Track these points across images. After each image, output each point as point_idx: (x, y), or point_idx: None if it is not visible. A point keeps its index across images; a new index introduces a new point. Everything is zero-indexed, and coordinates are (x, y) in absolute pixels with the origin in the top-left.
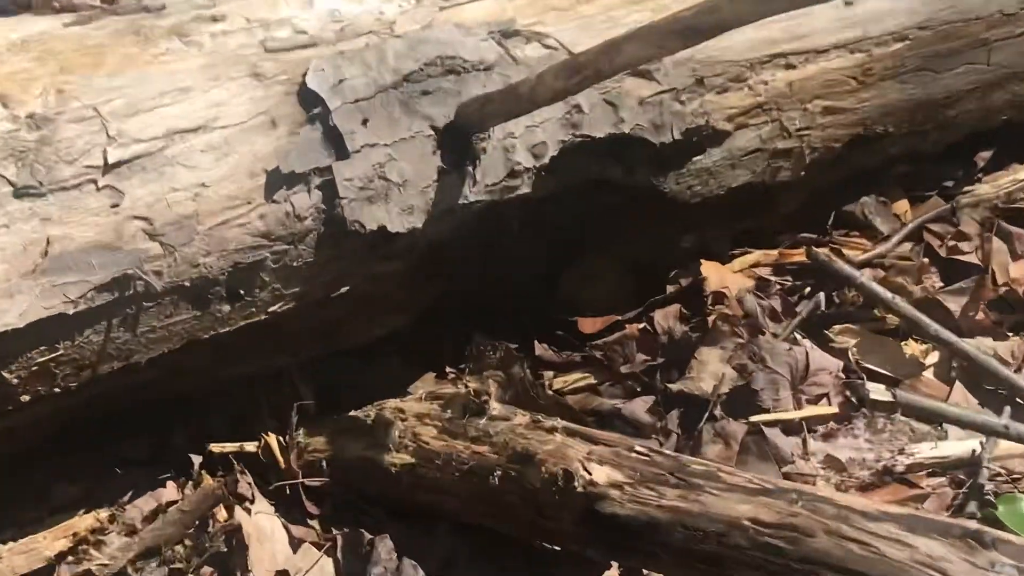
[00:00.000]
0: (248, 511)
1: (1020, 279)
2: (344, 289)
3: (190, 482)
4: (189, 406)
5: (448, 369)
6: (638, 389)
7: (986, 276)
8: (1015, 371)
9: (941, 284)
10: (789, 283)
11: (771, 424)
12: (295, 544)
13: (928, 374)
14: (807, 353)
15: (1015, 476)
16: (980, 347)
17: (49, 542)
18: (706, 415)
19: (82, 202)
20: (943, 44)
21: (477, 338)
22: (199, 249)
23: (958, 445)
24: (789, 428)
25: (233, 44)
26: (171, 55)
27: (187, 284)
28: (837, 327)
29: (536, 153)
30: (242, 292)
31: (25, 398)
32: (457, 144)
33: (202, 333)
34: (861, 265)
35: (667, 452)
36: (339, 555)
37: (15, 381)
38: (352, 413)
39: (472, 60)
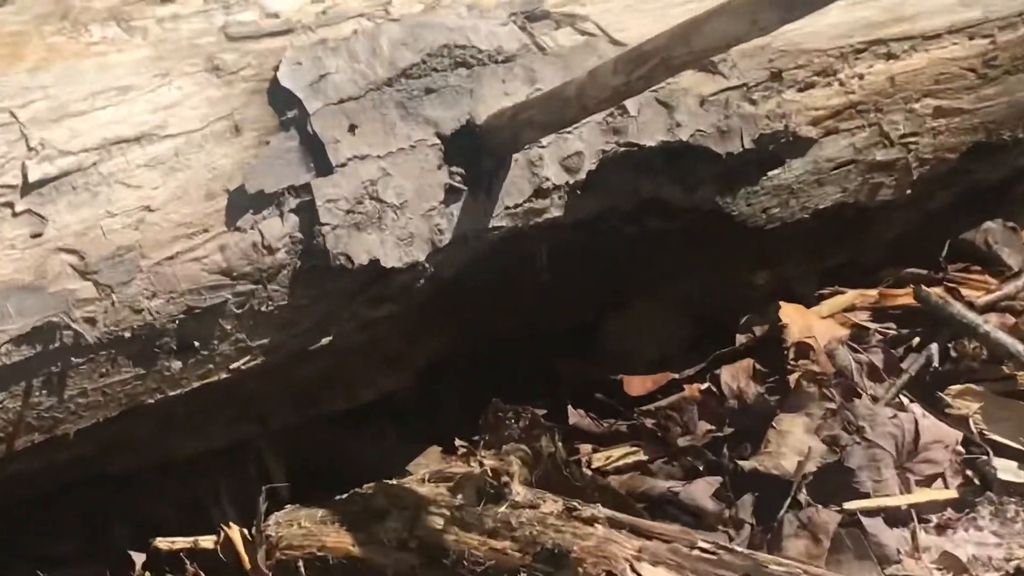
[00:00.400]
0: None
1: None
2: (326, 340)
3: None
4: (130, 490)
5: (458, 442)
6: (700, 468)
7: None
8: None
9: None
10: (893, 332)
11: (871, 512)
12: None
13: None
14: (916, 421)
15: None
16: None
17: None
18: (788, 501)
19: None
20: None
21: (495, 402)
22: (142, 290)
23: None
24: (894, 517)
25: (186, 31)
26: (108, 45)
27: (127, 335)
28: (955, 388)
29: (569, 167)
30: (197, 344)
31: None
32: (468, 156)
33: (146, 397)
34: (984, 309)
35: (738, 549)
36: None
37: None
38: (337, 498)
39: (488, 49)
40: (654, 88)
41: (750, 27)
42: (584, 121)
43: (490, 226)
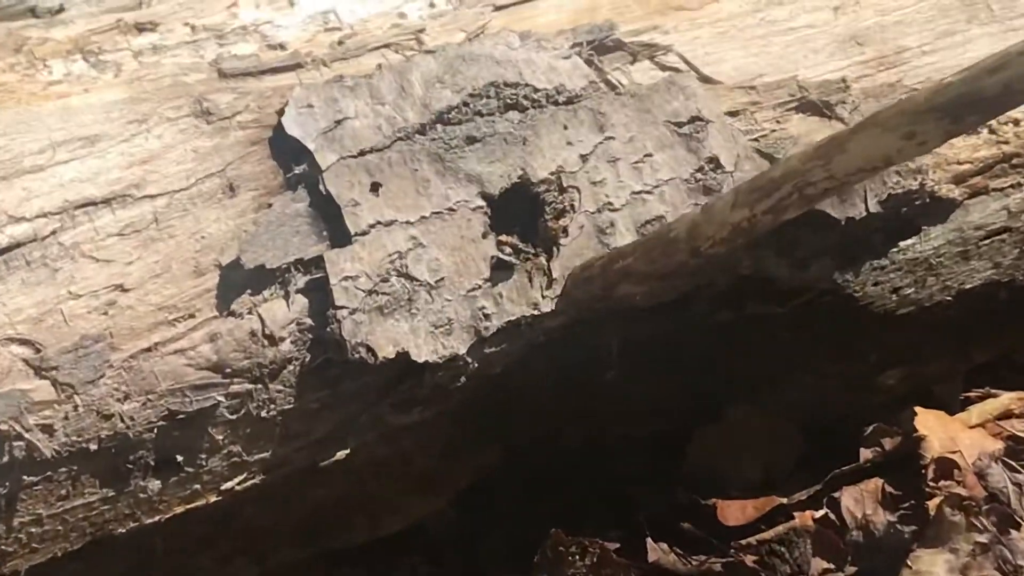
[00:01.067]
0: None
1: None
2: (342, 454)
3: None
4: None
5: None
6: None
7: None
8: None
9: None
10: None
11: None
12: None
13: None
14: None
15: None
16: None
17: None
18: None
19: None
20: None
21: (555, 533)
22: (113, 390)
23: None
24: None
25: (169, 66)
26: (72, 84)
27: (93, 447)
28: None
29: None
30: (180, 459)
31: None
32: (522, 222)
33: (117, 525)
34: None
35: None
36: None
37: None
38: None
39: (546, 88)
40: (753, 135)
41: (905, 143)
42: (665, 177)
43: (547, 310)
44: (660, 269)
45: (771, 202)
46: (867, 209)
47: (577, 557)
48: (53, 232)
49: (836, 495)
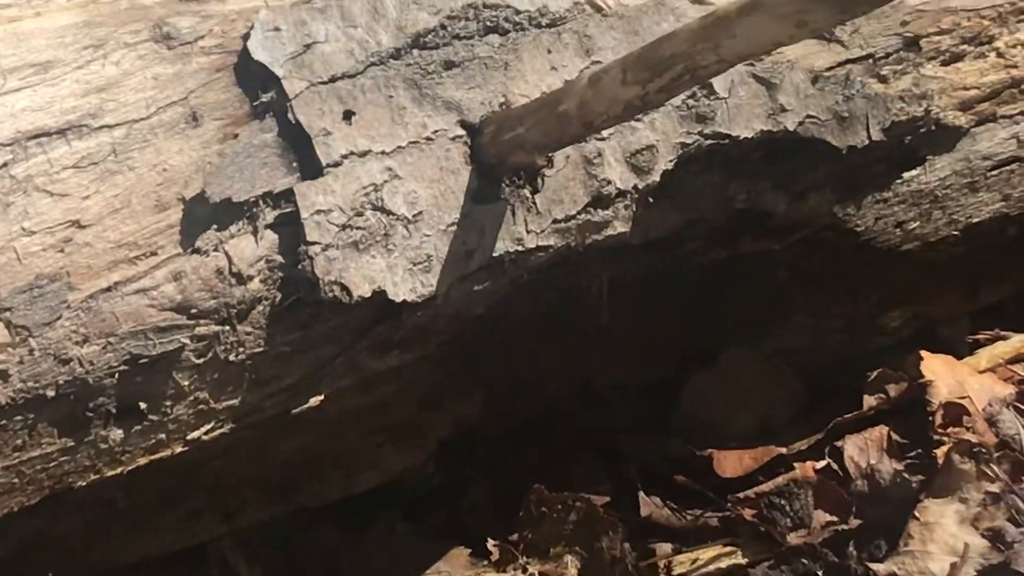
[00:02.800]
0: None
1: None
2: (315, 400)
3: None
4: None
5: (490, 543)
6: (819, 573)
7: None
8: None
9: None
10: None
11: None
12: None
13: None
14: None
15: None
16: None
17: None
18: None
19: None
20: None
21: (539, 488)
22: (70, 333)
23: None
24: None
25: None
26: (22, 8)
27: (51, 393)
28: None
29: (639, 165)
30: (143, 407)
31: None
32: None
33: (76, 478)
34: None
35: None
36: None
37: None
38: None
39: (528, 10)
40: (750, 61)
41: (795, 29)
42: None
43: (532, 246)
44: (554, 141)
45: (663, 82)
46: (869, 137)
47: (562, 513)
48: (4, 164)
49: (839, 444)
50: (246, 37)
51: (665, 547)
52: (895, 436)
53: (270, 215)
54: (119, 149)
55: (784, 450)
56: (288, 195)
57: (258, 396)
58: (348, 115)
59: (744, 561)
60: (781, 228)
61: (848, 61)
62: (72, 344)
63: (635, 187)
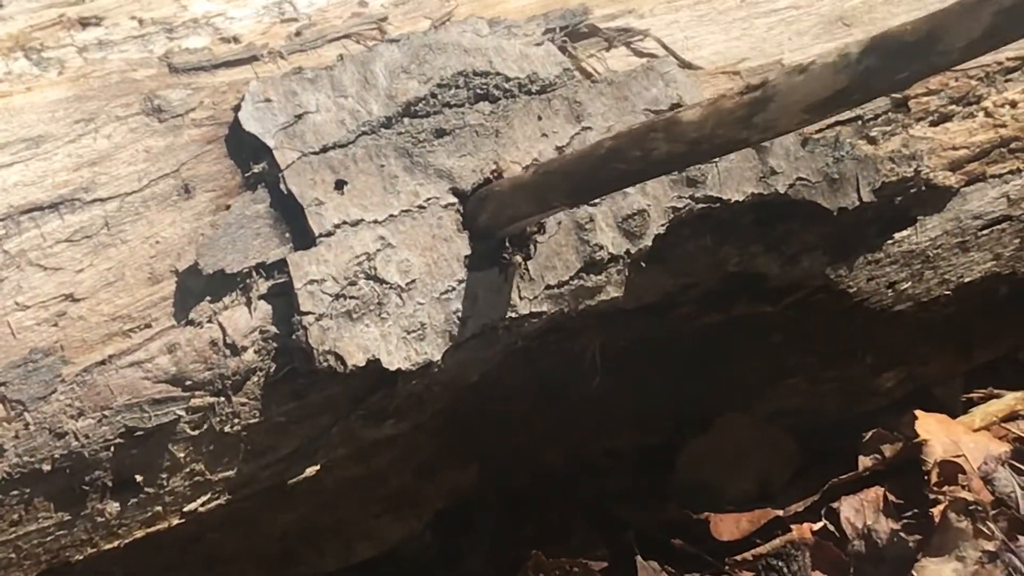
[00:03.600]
0: None
1: None
2: (311, 470)
3: None
4: None
5: None
6: None
7: None
8: None
9: None
10: None
11: None
12: None
13: None
14: None
15: None
16: None
17: None
18: None
19: None
20: None
21: (536, 555)
22: (65, 407)
23: None
24: None
25: (116, 62)
26: (13, 83)
27: (46, 467)
28: None
29: (631, 230)
30: (139, 480)
31: None
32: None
33: (73, 552)
34: None
35: None
36: None
37: None
38: None
39: (518, 77)
40: None
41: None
42: None
43: (526, 312)
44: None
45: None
46: (860, 198)
47: None
48: None
49: (835, 505)
50: (237, 108)
51: None
52: (891, 496)
53: (263, 286)
54: (112, 222)
55: (781, 512)
56: (281, 265)
57: (254, 467)
58: (340, 185)
59: None
60: (774, 291)
61: (837, 123)
62: (67, 418)
63: (627, 252)
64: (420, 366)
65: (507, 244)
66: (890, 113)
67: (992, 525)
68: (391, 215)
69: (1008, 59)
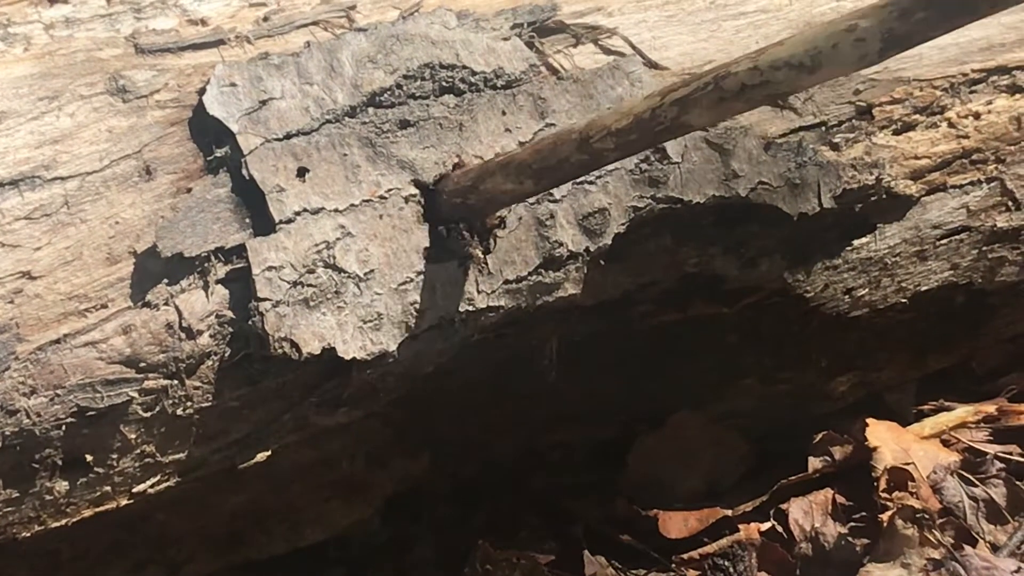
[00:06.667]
0: None
1: None
2: (262, 456)
3: None
4: None
5: None
6: None
7: None
8: None
9: None
10: (1018, 458)
11: None
12: None
13: None
14: None
15: None
16: None
17: None
18: None
19: None
20: None
21: (483, 546)
22: (18, 384)
23: None
24: None
25: (83, 40)
26: None
27: None
28: None
29: (591, 228)
30: (90, 459)
31: None
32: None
33: (20, 529)
34: None
35: None
36: None
37: None
38: None
39: (484, 71)
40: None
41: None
42: (609, 167)
43: (483, 306)
44: (539, 163)
45: (685, 91)
46: (820, 204)
47: (507, 571)
48: None
49: (784, 507)
50: (202, 92)
51: None
52: (840, 499)
53: (221, 270)
54: (72, 201)
55: (729, 512)
56: (240, 251)
57: (205, 450)
58: (302, 172)
59: None
60: (731, 293)
61: (801, 128)
62: (19, 395)
63: (587, 249)
64: (375, 356)
65: (467, 235)
66: (854, 120)
67: (939, 533)
68: (352, 204)
69: (973, 71)
